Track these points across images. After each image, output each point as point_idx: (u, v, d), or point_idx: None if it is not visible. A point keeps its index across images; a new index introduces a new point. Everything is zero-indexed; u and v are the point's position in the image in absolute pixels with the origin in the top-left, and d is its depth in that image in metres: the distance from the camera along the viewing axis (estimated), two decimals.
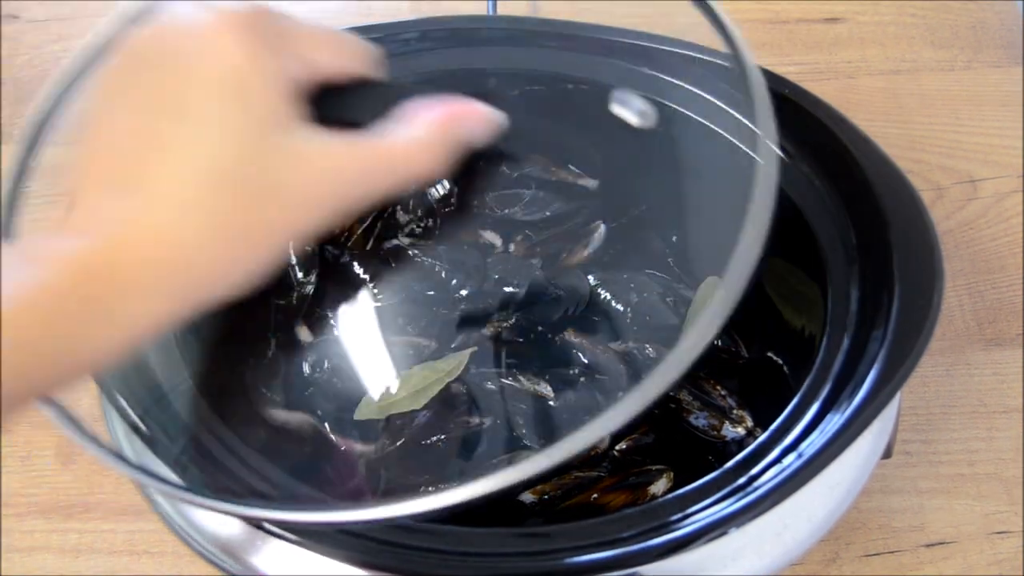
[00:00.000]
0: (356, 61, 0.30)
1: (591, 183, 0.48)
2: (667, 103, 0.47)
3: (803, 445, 0.36)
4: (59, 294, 0.24)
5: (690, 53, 0.47)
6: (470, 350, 0.42)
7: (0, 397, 0.24)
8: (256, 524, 0.34)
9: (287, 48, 0.27)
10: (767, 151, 0.30)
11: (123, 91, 0.27)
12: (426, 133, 0.28)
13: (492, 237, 0.46)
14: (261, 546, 0.36)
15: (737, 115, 0.47)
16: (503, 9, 0.64)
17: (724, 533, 0.33)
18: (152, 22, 0.28)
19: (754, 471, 0.35)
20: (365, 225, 0.46)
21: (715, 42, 0.46)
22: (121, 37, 0.35)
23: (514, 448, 0.40)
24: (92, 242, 0.25)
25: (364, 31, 0.49)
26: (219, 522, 0.38)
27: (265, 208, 0.26)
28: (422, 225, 0.46)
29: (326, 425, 0.39)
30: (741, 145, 0.46)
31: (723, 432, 0.41)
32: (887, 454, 0.41)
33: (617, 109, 0.33)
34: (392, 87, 0.30)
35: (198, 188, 0.25)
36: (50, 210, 0.64)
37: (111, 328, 0.25)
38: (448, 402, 0.41)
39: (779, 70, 0.47)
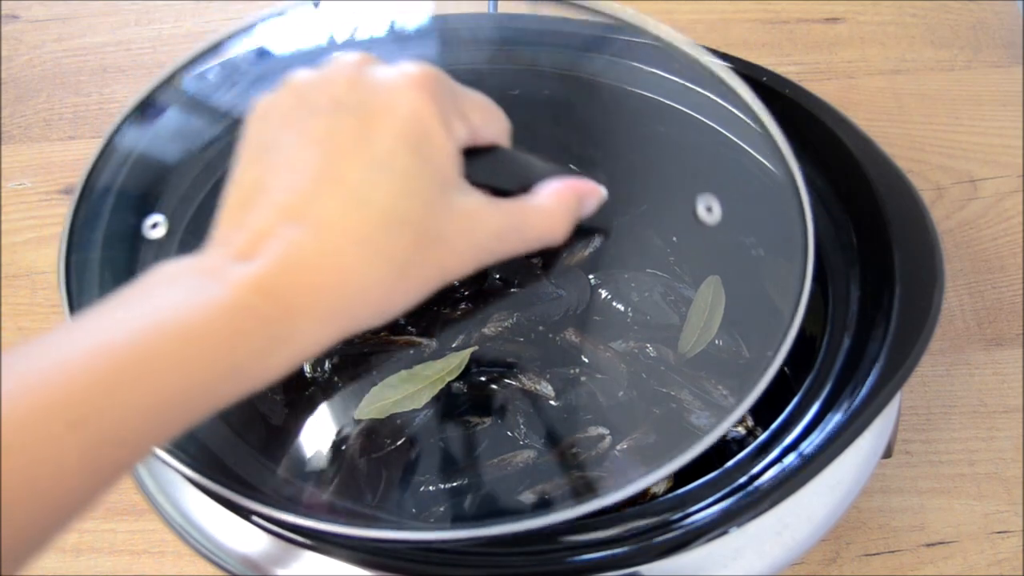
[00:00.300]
0: (500, 128, 0.33)
1: None
2: (667, 102, 0.47)
3: (803, 445, 0.36)
4: (238, 313, 0.26)
5: (697, 56, 0.47)
6: (470, 350, 0.42)
7: (171, 413, 0.25)
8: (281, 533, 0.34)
9: (457, 109, 0.31)
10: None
11: (301, 126, 0.29)
12: (553, 203, 0.32)
13: None
14: (257, 544, 0.36)
15: (737, 112, 0.47)
16: (504, 8, 0.64)
17: (724, 532, 0.34)
18: (331, 65, 0.31)
19: (754, 470, 0.35)
20: None
21: (714, 42, 0.45)
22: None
23: (514, 449, 0.40)
24: (267, 265, 0.27)
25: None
26: (218, 523, 0.38)
27: (426, 252, 0.29)
28: None
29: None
30: (740, 142, 0.46)
31: None
32: (887, 454, 0.41)
33: (699, 210, 0.39)
34: (526, 160, 0.34)
35: (374, 227, 0.28)
36: (46, 207, 0.64)
37: (281, 348, 0.27)
38: (448, 402, 0.41)
39: (779, 70, 0.47)
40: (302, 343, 0.27)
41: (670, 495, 0.35)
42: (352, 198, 0.28)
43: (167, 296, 0.26)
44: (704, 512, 0.34)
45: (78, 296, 0.38)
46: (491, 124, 0.32)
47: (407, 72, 0.29)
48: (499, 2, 0.63)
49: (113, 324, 0.25)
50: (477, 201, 0.30)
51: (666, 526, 0.34)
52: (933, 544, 0.48)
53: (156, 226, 0.40)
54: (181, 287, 0.26)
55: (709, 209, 0.39)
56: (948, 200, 0.61)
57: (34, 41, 0.70)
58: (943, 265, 0.39)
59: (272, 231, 0.27)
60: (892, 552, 0.48)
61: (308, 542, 0.34)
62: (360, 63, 0.30)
